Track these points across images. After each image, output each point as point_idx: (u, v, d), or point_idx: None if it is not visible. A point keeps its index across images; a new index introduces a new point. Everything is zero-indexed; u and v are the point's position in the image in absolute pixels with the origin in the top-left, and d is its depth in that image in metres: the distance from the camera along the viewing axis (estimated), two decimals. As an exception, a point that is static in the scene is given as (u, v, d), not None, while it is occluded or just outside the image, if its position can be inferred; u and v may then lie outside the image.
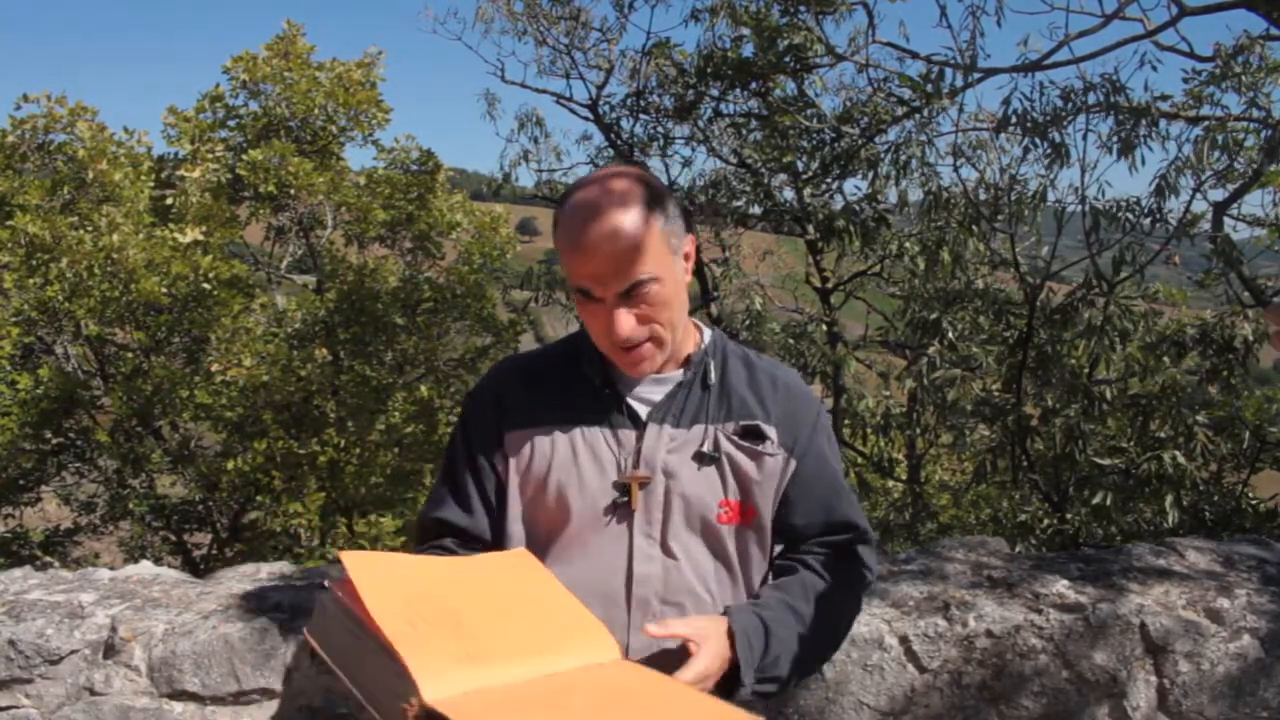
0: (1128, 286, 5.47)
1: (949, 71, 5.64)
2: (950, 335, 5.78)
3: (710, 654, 1.26)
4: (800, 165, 7.32)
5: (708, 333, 1.48)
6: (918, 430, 7.43)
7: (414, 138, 8.69)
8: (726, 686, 1.29)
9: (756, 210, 8.00)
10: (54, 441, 7.46)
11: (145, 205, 7.56)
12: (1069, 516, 5.59)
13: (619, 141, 8.03)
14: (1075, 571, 2.50)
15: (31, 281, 6.84)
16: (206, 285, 7.06)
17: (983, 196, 6.03)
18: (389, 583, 1.15)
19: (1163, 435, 5.43)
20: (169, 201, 7.58)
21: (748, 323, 7.86)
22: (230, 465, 6.99)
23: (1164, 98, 5.23)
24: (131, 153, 7.77)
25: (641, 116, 7.86)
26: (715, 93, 7.38)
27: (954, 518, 8.43)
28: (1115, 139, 5.11)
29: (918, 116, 6.07)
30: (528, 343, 8.72)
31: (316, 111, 7.92)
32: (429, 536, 1.45)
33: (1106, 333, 5.16)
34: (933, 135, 6.03)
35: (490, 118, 8.31)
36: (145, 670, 2.18)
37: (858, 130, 6.98)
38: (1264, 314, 4.72)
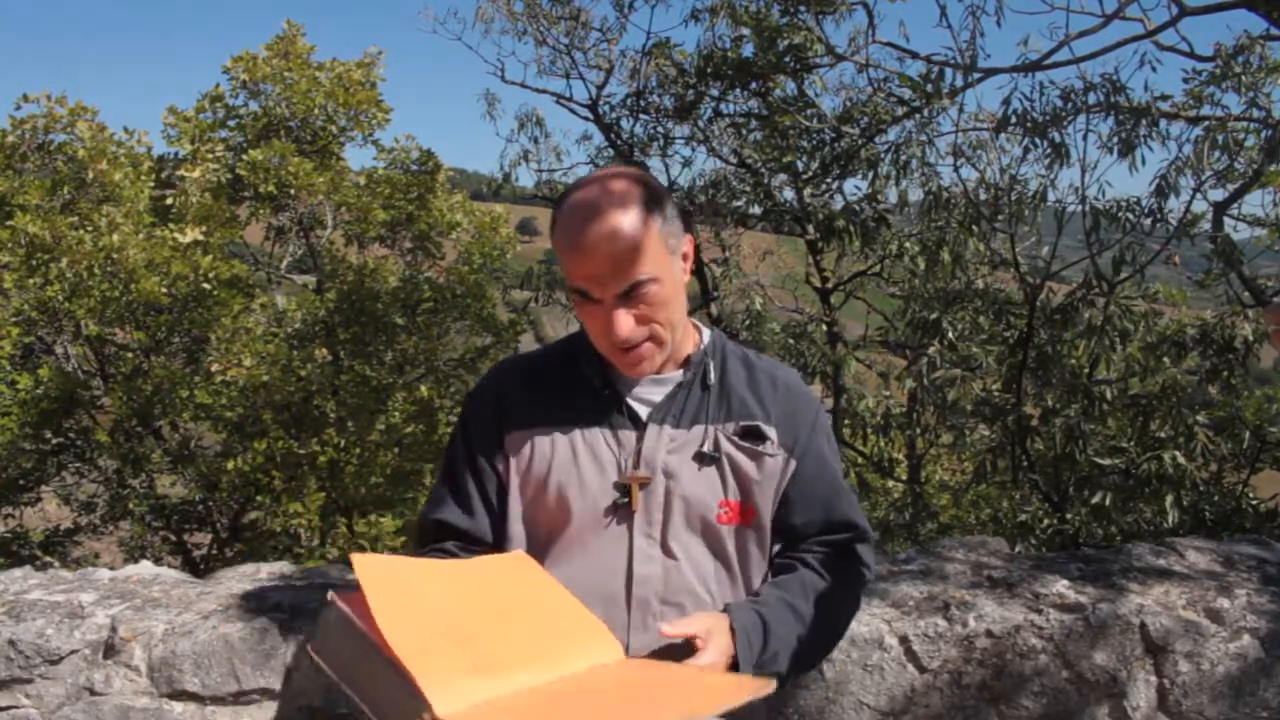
0: (1128, 287, 5.47)
1: (949, 71, 5.65)
2: (950, 335, 5.78)
3: (715, 650, 1.27)
4: (800, 165, 7.32)
5: (707, 333, 1.48)
6: (918, 430, 7.43)
7: (414, 138, 8.69)
8: None
9: (756, 210, 8.00)
10: (54, 441, 7.45)
11: (145, 205, 7.55)
12: (1069, 516, 5.59)
13: (619, 141, 8.03)
14: (1075, 571, 2.50)
15: (31, 281, 6.83)
16: (206, 285, 7.05)
17: (983, 196, 6.03)
18: (399, 591, 1.14)
19: (1163, 435, 5.43)
20: (169, 201, 7.57)
21: (748, 323, 7.87)
22: (230, 465, 6.99)
23: (1164, 98, 5.23)
24: (131, 153, 7.76)
25: (641, 116, 7.87)
26: (715, 93, 7.38)
27: (954, 518, 8.43)
28: (1115, 139, 5.12)
29: (918, 116, 6.07)
30: (528, 343, 8.72)
31: (316, 111, 7.91)
32: (430, 539, 1.45)
33: (1106, 333, 5.15)
34: (933, 135, 6.04)
35: (490, 118, 8.35)
36: (145, 670, 2.18)
37: (858, 130, 6.98)
38: (1264, 314, 4.70)
